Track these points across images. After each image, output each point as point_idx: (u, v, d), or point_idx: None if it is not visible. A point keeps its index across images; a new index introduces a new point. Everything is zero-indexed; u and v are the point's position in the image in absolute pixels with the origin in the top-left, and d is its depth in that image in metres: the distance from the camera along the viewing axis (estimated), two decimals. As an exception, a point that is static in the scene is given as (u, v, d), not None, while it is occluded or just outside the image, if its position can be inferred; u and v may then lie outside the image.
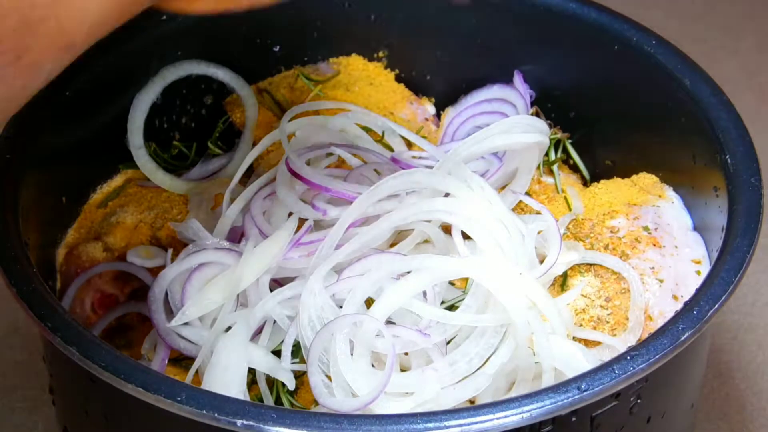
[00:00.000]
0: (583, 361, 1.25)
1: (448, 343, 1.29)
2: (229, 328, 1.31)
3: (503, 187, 1.46)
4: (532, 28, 1.56)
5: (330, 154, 1.45)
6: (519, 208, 1.44)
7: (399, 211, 1.33)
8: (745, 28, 2.21)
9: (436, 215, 1.33)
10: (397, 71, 1.64)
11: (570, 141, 1.57)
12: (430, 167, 1.42)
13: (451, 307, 1.33)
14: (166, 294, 1.35)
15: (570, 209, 1.45)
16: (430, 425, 1.10)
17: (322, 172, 1.42)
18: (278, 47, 1.61)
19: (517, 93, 1.56)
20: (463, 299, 1.30)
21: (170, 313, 1.34)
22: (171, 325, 1.31)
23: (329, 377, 1.25)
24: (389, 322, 1.28)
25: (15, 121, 1.39)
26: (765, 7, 2.25)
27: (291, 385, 1.28)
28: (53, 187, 1.45)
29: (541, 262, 1.35)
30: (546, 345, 1.25)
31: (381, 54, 1.63)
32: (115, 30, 1.52)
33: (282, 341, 1.30)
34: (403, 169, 1.40)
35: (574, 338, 1.31)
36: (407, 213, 1.33)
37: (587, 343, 1.32)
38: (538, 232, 1.36)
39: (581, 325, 1.33)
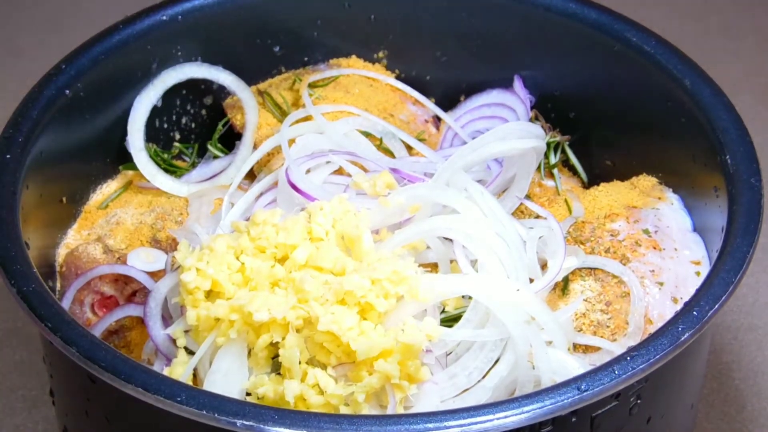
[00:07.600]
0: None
1: (448, 354, 1.29)
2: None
3: (503, 192, 1.46)
4: (532, 28, 1.56)
5: (330, 162, 1.45)
6: (519, 211, 1.44)
7: (402, 232, 1.33)
8: (745, 28, 2.21)
9: (438, 233, 1.34)
10: (397, 72, 1.64)
11: (570, 142, 1.57)
12: (430, 173, 1.42)
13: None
14: (165, 301, 1.35)
15: (570, 212, 1.45)
16: (430, 425, 1.10)
17: (322, 182, 1.42)
18: (278, 47, 1.61)
19: (517, 98, 1.56)
20: (466, 304, 1.30)
21: (170, 318, 1.34)
22: (167, 331, 1.31)
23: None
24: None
25: (15, 121, 1.39)
26: (765, 8, 2.25)
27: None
28: (54, 187, 1.45)
29: (543, 266, 1.35)
30: (545, 359, 1.25)
31: (381, 54, 1.63)
32: (115, 30, 1.53)
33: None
34: (403, 177, 1.41)
35: (574, 344, 1.31)
36: (410, 234, 1.33)
37: (587, 348, 1.32)
38: (539, 237, 1.37)
39: (581, 330, 1.33)
